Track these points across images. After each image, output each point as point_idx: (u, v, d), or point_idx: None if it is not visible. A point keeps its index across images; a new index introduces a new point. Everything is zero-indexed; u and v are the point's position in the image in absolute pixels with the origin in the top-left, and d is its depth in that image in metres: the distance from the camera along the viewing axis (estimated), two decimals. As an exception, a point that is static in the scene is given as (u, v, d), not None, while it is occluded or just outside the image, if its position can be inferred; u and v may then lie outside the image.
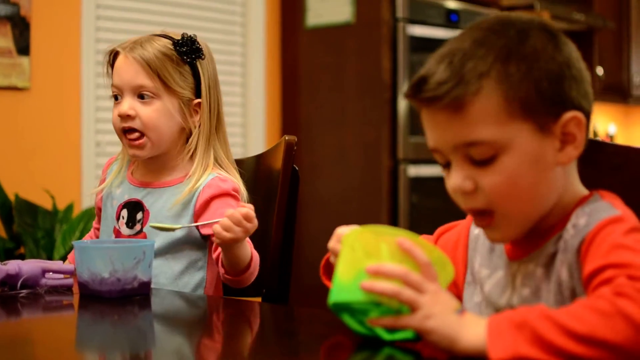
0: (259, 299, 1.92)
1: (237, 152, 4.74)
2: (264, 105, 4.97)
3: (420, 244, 1.19)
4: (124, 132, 1.83)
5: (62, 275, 1.70)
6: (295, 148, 1.93)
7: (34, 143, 4.10)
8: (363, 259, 1.18)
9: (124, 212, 1.84)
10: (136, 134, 1.80)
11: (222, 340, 1.37)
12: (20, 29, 4.06)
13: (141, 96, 1.79)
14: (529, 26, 1.24)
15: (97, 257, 1.57)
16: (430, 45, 4.35)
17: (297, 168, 1.94)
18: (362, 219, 2.27)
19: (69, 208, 3.88)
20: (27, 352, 1.28)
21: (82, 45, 4.26)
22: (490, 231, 1.27)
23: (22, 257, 3.71)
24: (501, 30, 1.23)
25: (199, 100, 1.83)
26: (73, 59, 4.22)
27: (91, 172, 4.25)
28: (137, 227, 1.80)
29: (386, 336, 1.17)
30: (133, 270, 1.57)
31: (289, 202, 1.93)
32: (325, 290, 1.25)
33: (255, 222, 1.67)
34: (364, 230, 1.24)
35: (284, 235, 1.92)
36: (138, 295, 1.57)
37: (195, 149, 1.83)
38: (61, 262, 1.74)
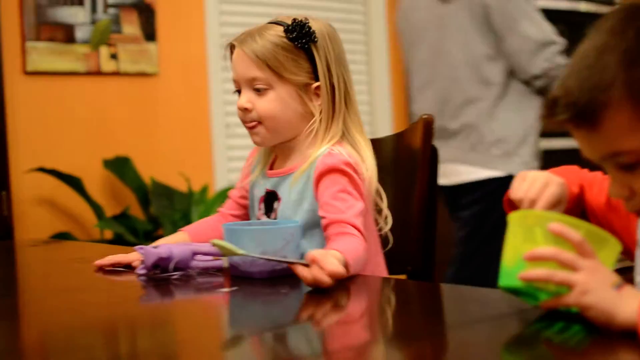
0: (404, 277, 1.93)
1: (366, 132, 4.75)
2: (389, 81, 4.97)
3: (572, 224, 1.20)
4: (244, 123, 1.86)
5: (211, 257, 1.74)
6: (433, 126, 1.94)
7: (165, 127, 4.20)
8: (521, 244, 1.21)
9: (262, 205, 1.87)
10: (253, 123, 1.82)
11: (369, 317, 1.39)
12: (147, 16, 4.15)
13: (256, 89, 1.80)
14: None
15: (247, 239, 1.60)
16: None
17: (436, 146, 1.95)
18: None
19: (204, 190, 3.96)
20: (181, 332, 1.32)
21: (207, 28, 4.33)
22: None
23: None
24: (621, 31, 1.20)
25: (318, 83, 1.81)
26: (199, 42, 4.30)
27: (222, 153, 4.33)
28: (273, 215, 1.83)
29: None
30: (282, 251, 1.60)
31: (430, 180, 1.94)
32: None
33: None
34: (522, 214, 1.27)
35: (427, 213, 1.92)
36: (287, 275, 1.61)
37: (317, 132, 1.81)
38: (209, 244, 1.78)
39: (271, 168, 1.90)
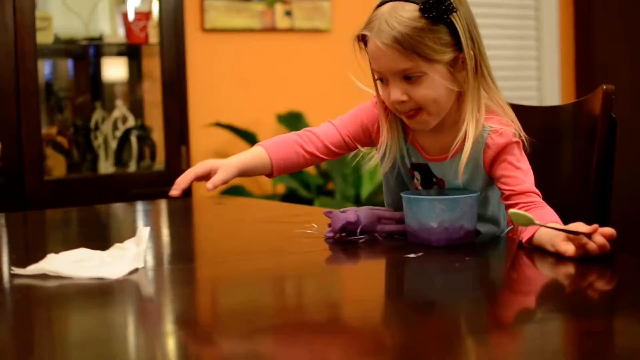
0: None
1: (533, 97, 4.74)
2: (557, 45, 4.91)
3: None
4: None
5: (394, 222, 1.82)
6: (613, 97, 1.95)
7: (337, 83, 4.28)
8: None
9: (416, 174, 1.85)
10: (412, 112, 1.74)
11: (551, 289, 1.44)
12: (321, -27, 4.22)
13: (407, 77, 1.70)
14: None
15: (426, 209, 1.67)
16: None
17: (614, 116, 1.96)
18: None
19: (374, 146, 4.04)
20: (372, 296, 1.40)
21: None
22: None
23: (331, 193, 3.92)
24: None
25: (461, 54, 1.72)
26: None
27: (390, 109, 4.39)
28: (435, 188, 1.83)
29: None
30: (459, 220, 1.67)
31: (607, 150, 1.95)
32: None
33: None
34: None
35: (604, 182, 1.95)
36: (464, 244, 1.67)
37: (464, 102, 1.74)
38: (392, 210, 1.86)
39: (407, 133, 1.83)
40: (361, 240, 1.75)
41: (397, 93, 1.72)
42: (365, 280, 1.55)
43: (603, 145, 1.95)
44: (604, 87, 1.95)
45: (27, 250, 1.96)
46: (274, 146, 1.83)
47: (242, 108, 4.05)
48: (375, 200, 3.76)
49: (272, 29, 4.12)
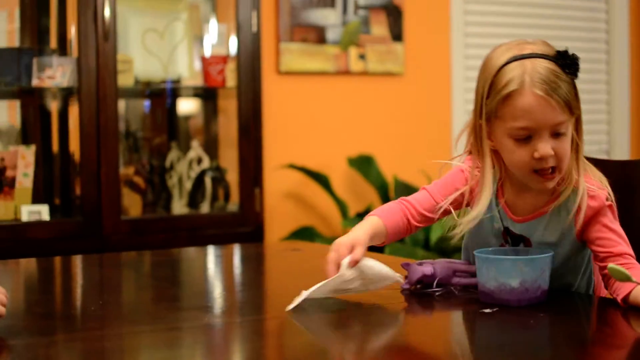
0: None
1: (602, 142, 4.72)
2: (628, 100, 4.89)
3: None
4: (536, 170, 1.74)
5: (469, 274, 1.83)
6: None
7: (408, 126, 4.31)
8: None
9: (508, 238, 1.84)
10: (551, 169, 1.72)
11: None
12: (395, 16, 4.27)
13: (558, 133, 1.70)
14: None
15: (507, 268, 1.67)
16: None
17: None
18: None
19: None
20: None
21: (452, 28, 4.41)
22: None
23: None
24: None
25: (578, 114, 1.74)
26: (443, 42, 4.39)
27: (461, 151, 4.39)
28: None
29: None
30: (538, 280, 1.67)
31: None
32: None
33: None
34: None
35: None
36: (539, 303, 1.68)
37: (577, 162, 1.75)
38: (468, 262, 1.87)
39: (497, 196, 1.83)
40: (437, 293, 1.77)
41: (547, 147, 1.69)
42: (439, 333, 1.56)
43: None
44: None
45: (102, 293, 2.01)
46: (386, 214, 1.85)
47: (314, 150, 4.09)
48: (443, 246, 3.76)
49: (346, 72, 4.16)
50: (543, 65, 1.68)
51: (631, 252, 1.74)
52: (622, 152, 4.70)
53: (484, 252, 1.75)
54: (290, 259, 2.48)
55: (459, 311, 1.74)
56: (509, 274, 1.66)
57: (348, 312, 1.69)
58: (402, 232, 1.86)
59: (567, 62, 1.69)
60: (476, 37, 4.50)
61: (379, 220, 1.84)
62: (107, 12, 3.28)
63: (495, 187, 1.81)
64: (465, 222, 1.79)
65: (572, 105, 1.70)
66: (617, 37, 4.86)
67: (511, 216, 1.82)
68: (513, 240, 1.82)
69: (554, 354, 1.42)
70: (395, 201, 1.90)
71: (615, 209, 1.78)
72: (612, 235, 1.74)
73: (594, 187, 1.76)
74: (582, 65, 1.71)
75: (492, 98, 1.72)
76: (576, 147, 1.75)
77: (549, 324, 1.61)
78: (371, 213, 1.88)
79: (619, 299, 1.65)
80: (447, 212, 1.86)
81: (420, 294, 1.78)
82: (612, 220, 1.76)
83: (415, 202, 1.87)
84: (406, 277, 1.82)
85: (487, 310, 1.63)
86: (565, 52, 1.71)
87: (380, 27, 4.25)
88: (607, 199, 1.75)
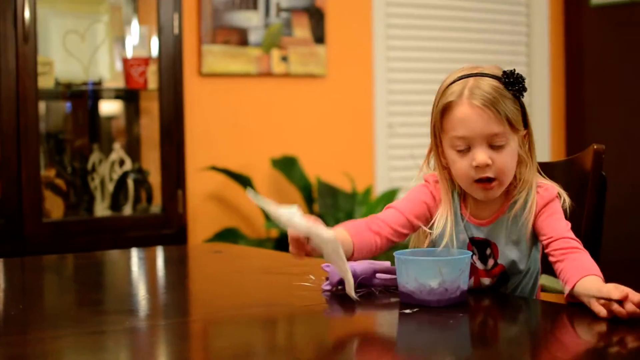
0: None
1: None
2: (548, 103, 4.99)
3: None
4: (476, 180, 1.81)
5: (390, 275, 1.86)
6: (603, 156, 2.01)
7: (331, 128, 4.35)
8: None
9: (474, 249, 1.88)
10: (488, 179, 1.80)
11: (547, 346, 1.49)
12: (317, 19, 4.30)
13: (492, 145, 1.78)
14: None
15: (426, 269, 1.71)
16: None
17: (605, 174, 2.02)
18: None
19: (368, 191, 4.09)
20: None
21: (374, 31, 4.46)
22: None
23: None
24: None
25: (526, 130, 1.85)
26: (366, 45, 4.44)
27: (384, 153, 4.45)
28: (491, 262, 1.86)
29: None
30: (457, 280, 1.71)
31: (597, 206, 2.02)
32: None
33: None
34: None
35: (593, 237, 2.01)
36: (459, 303, 1.72)
37: (524, 177, 1.85)
38: (388, 263, 1.90)
39: (461, 209, 1.89)
40: (359, 294, 1.80)
41: (483, 155, 1.78)
42: (361, 334, 1.59)
43: (593, 202, 2.02)
44: (595, 147, 2.01)
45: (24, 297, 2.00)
46: (354, 229, 1.86)
47: (237, 152, 4.11)
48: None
49: (268, 74, 4.18)
50: (487, 82, 1.79)
51: (574, 236, 1.79)
52: (543, 155, 4.79)
53: (403, 254, 1.78)
54: (213, 261, 2.49)
55: (380, 312, 1.77)
56: (428, 275, 1.70)
57: (272, 314, 1.71)
58: (371, 250, 1.86)
59: (511, 81, 1.80)
60: (398, 40, 4.56)
61: (345, 232, 1.84)
62: (27, 14, 3.25)
63: (459, 202, 1.89)
64: (433, 235, 1.86)
65: (513, 121, 1.79)
66: (537, 43, 4.96)
67: (476, 222, 1.87)
68: (479, 249, 1.87)
69: (473, 353, 1.46)
70: (361, 219, 1.93)
71: (561, 205, 1.85)
72: (558, 224, 1.81)
73: (547, 183, 1.86)
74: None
75: (436, 111, 1.83)
76: (533, 156, 1.86)
77: (468, 324, 1.65)
78: (338, 225, 1.89)
79: (568, 287, 1.69)
80: (416, 227, 1.91)
81: (342, 295, 1.81)
82: (560, 212, 1.83)
83: (387, 219, 1.89)
84: (327, 279, 1.85)
85: (408, 311, 1.67)
86: (512, 71, 1.82)
87: (302, 30, 4.28)
88: (558, 195, 1.85)
